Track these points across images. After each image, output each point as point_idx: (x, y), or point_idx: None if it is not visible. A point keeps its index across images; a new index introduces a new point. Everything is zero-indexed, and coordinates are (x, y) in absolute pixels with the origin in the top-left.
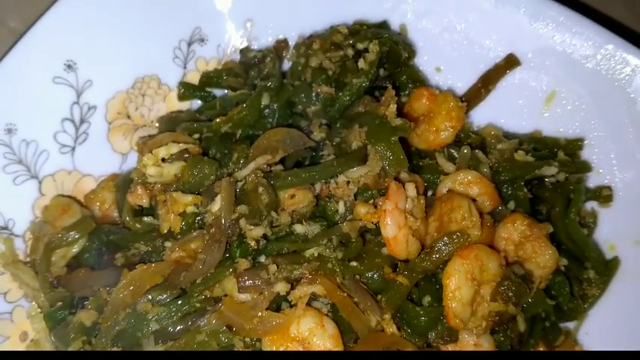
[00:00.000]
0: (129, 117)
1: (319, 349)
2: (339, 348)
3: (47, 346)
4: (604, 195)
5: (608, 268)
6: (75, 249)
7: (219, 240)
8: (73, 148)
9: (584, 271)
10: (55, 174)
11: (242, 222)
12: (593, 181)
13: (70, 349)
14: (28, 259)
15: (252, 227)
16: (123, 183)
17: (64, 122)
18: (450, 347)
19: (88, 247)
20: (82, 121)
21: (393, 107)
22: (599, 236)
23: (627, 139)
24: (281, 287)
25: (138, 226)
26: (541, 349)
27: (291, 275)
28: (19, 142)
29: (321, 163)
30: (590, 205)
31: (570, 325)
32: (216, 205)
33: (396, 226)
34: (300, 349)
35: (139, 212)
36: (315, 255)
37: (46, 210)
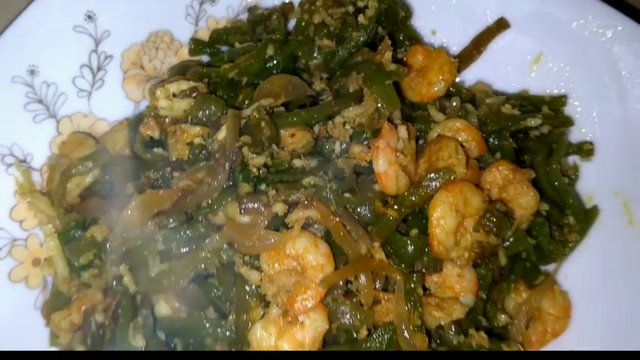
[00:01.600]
0: (142, 68)
1: (312, 265)
2: (331, 265)
3: (60, 263)
4: (585, 149)
5: (587, 216)
6: (89, 179)
7: (223, 164)
8: (90, 93)
9: (564, 217)
10: (72, 115)
11: (245, 150)
12: (575, 137)
13: (80, 261)
14: (44, 191)
15: (254, 156)
16: (135, 121)
17: (82, 68)
18: (435, 277)
19: (100, 177)
20: (99, 68)
21: (389, 55)
22: (580, 189)
23: (608, 98)
24: (279, 208)
25: (148, 156)
26: (521, 288)
27: (288, 199)
28: (40, 83)
29: (320, 103)
30: (573, 159)
31: (550, 268)
32: (222, 134)
33: (387, 163)
34: (295, 264)
35: (150, 144)
36: (312, 183)
37: (62, 144)
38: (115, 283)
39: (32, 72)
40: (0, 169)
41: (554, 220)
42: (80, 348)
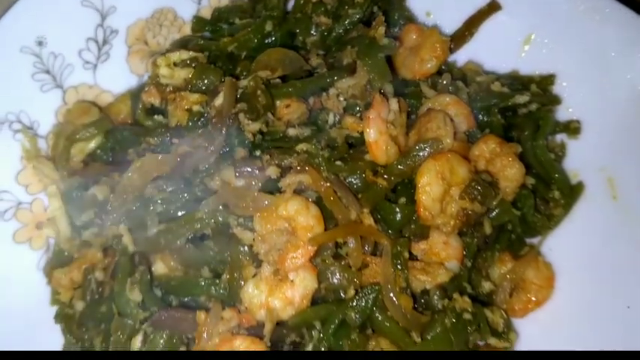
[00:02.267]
0: (146, 43)
1: (303, 226)
2: (321, 226)
3: (62, 222)
4: (572, 127)
5: (573, 191)
6: (92, 145)
7: (220, 129)
8: (95, 65)
9: (550, 191)
10: (78, 86)
11: (241, 116)
12: (563, 116)
13: (82, 218)
14: (49, 156)
15: (250, 122)
16: (138, 90)
17: (88, 41)
18: (422, 245)
19: (103, 144)
20: (105, 42)
21: (382, 30)
22: (567, 166)
23: (595, 78)
24: (272, 171)
25: (149, 122)
26: (506, 258)
27: (281, 163)
28: (47, 54)
29: (315, 75)
30: (560, 137)
31: (535, 241)
32: (219, 100)
33: (377, 132)
34: (286, 225)
35: (151, 112)
36: (304, 150)
37: (68, 112)
38: (114, 242)
39: (40, 43)
40: (7, 135)
41: (540, 194)
42: (80, 305)
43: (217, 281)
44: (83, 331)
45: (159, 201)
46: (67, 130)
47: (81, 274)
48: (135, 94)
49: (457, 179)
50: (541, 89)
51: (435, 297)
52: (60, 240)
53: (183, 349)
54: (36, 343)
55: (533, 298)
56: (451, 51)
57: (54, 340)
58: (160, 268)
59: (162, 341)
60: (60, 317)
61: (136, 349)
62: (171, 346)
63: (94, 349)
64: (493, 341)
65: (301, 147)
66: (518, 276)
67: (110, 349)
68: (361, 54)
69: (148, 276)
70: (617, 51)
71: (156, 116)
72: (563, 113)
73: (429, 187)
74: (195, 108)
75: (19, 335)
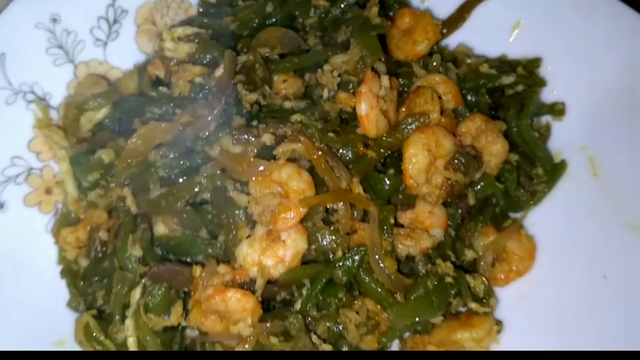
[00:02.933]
0: (154, 24)
1: (295, 190)
2: (312, 191)
3: (70, 184)
4: (557, 109)
5: (555, 168)
6: (100, 115)
7: (219, 98)
8: (106, 43)
9: (533, 169)
10: (89, 62)
11: (239, 87)
12: (548, 99)
13: (88, 179)
14: (60, 125)
15: (248, 93)
16: (144, 64)
17: (99, 20)
18: (409, 214)
19: (111, 114)
20: (115, 21)
21: (375, 10)
22: (550, 146)
23: (580, 64)
24: (267, 138)
25: (154, 93)
26: (490, 231)
27: (276, 132)
28: (61, 30)
29: (311, 51)
30: (545, 118)
31: (519, 216)
32: (219, 71)
33: (368, 106)
34: (279, 189)
35: (157, 84)
36: (299, 120)
37: (78, 84)
38: (118, 204)
39: (54, 20)
40: (21, 105)
41: (524, 171)
42: (84, 262)
43: (214, 242)
44: (86, 285)
45: (161, 166)
46: (77, 101)
47: (86, 234)
48: (141, 68)
49: (442, 151)
50: (527, 72)
51: (420, 263)
52: (67, 201)
53: (179, 302)
54: (44, 301)
55: (515, 268)
56: (444, 35)
57: (59, 294)
58: (160, 229)
59: (159, 293)
60: (65, 272)
61: (135, 301)
62: (169, 299)
63: (96, 302)
64: (474, 306)
65: (295, 117)
66: (501, 247)
67: (111, 302)
68: (355, 32)
69: (149, 234)
70: (602, 38)
71: (160, 88)
72: (548, 95)
73: (415, 157)
74: (198, 80)
75: (27, 293)
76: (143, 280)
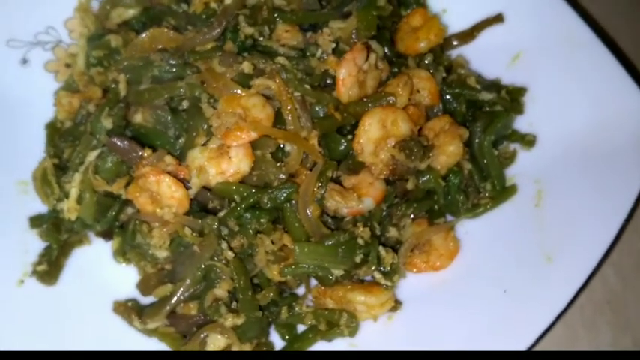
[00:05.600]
0: None
1: (254, 117)
2: (269, 124)
3: (81, 57)
4: (527, 140)
5: (505, 190)
6: (129, 13)
7: (220, 22)
8: None
9: (484, 183)
10: None
11: (241, 19)
12: (523, 129)
13: (93, 54)
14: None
15: (246, 25)
16: None
17: None
18: (353, 179)
19: (138, 16)
20: None
21: None
22: (508, 171)
23: (558, 102)
24: (246, 66)
25: (175, 6)
26: (422, 223)
27: (257, 64)
28: None
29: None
30: (515, 146)
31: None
32: (228, 1)
33: (347, 71)
34: (241, 112)
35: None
36: (281, 62)
37: None
38: (112, 85)
39: None
40: None
41: (474, 183)
42: (68, 123)
43: (175, 142)
44: (61, 141)
45: (157, 66)
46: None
47: (79, 103)
48: None
49: (396, 132)
50: (510, 97)
51: (346, 224)
52: (74, 72)
53: (126, 177)
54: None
55: (430, 262)
56: (453, 46)
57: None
58: (138, 118)
59: (111, 161)
60: (49, 127)
61: (89, 160)
62: (117, 170)
63: (62, 156)
64: (377, 276)
65: (279, 59)
66: (426, 238)
67: (72, 157)
68: (359, 6)
69: (123, 114)
70: (582, 83)
71: (182, 4)
72: (524, 126)
73: (369, 127)
74: (212, 5)
75: (13, 132)
76: (103, 148)
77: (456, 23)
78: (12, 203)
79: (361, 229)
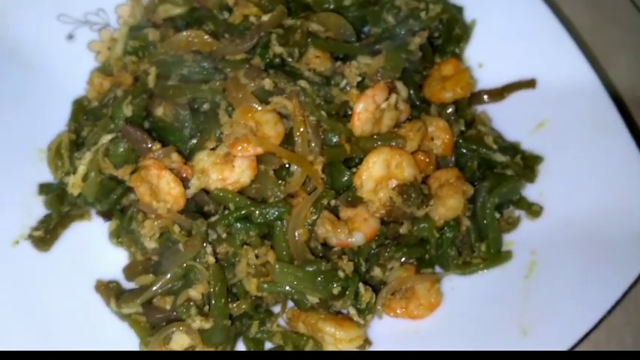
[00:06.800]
0: None
1: (264, 133)
2: (277, 141)
3: (120, 43)
4: (534, 209)
5: (499, 255)
6: (175, 11)
7: (253, 37)
8: None
9: (480, 242)
10: None
11: (273, 37)
12: (533, 198)
13: (130, 43)
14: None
15: (276, 44)
16: None
17: None
18: (349, 212)
19: (183, 16)
20: None
21: (417, 40)
22: (507, 236)
23: (573, 179)
24: (267, 82)
25: (217, 13)
26: (410, 269)
27: (278, 83)
28: None
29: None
30: (519, 212)
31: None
32: (266, 17)
33: (364, 107)
34: (253, 126)
35: (224, 7)
36: (302, 86)
37: None
38: (142, 75)
39: None
40: None
41: (469, 240)
42: (94, 104)
43: (188, 142)
44: (84, 119)
45: (188, 66)
46: None
47: (109, 86)
48: None
49: (399, 175)
50: (524, 164)
51: (332, 251)
52: (112, 56)
53: (133, 165)
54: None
55: (407, 310)
56: (481, 101)
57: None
58: (159, 111)
59: (123, 147)
60: (76, 103)
61: (102, 142)
62: (126, 156)
63: (80, 134)
64: (352, 311)
65: (300, 82)
66: (409, 284)
67: (89, 137)
68: (390, 46)
69: (144, 104)
70: (604, 169)
71: (225, 12)
72: (534, 194)
73: (373, 164)
74: (252, 19)
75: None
76: (118, 133)
77: (490, 79)
78: (28, 167)
79: (345, 262)
